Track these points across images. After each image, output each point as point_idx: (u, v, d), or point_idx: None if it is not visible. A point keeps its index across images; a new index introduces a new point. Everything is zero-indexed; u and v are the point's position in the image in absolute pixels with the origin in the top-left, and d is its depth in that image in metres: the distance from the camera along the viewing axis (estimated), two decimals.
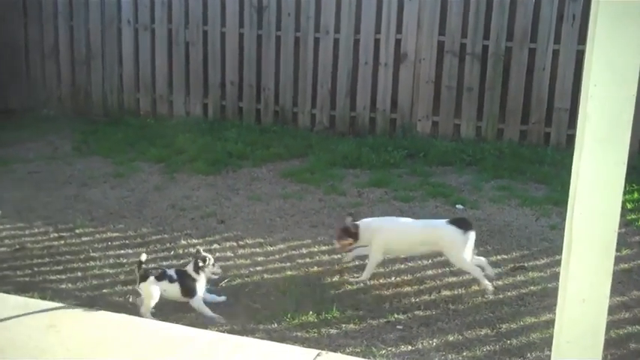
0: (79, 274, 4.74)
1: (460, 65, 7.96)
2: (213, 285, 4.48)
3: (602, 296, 2.39)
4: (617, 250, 2.17)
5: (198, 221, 5.68)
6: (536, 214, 5.90)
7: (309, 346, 3.76)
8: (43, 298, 4.27)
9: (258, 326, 4.09)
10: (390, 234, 4.67)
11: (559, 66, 7.64)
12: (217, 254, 5.04)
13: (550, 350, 2.63)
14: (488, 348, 3.91)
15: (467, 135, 7.95)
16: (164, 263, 4.81)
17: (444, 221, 4.66)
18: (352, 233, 4.66)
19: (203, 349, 3.62)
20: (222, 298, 4.39)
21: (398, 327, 4.12)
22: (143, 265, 4.22)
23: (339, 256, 5.00)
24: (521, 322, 4.17)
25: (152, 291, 4.17)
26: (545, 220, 5.77)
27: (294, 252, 5.11)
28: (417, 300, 4.43)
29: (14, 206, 5.90)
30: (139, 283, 4.20)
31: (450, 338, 4.01)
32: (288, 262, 4.95)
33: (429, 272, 4.81)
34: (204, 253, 4.36)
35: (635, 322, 4.18)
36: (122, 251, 5.10)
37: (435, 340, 3.98)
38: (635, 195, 6.22)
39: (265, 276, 4.73)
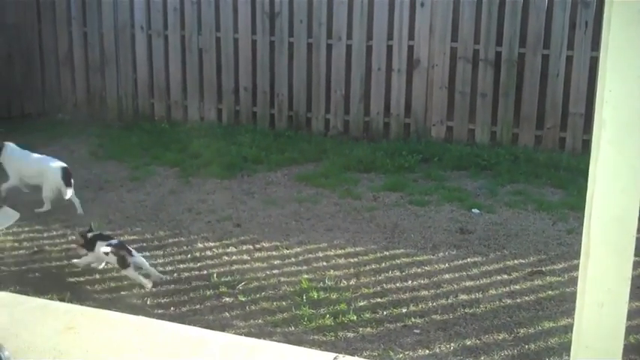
0: (97, 276, 4.76)
1: (473, 71, 7.96)
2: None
3: (621, 301, 2.38)
4: (636, 254, 2.17)
5: (215, 225, 5.70)
6: (552, 218, 5.88)
7: (326, 350, 3.77)
8: (62, 300, 4.30)
9: (275, 329, 4.10)
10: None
11: (573, 72, 7.62)
12: (234, 257, 5.07)
13: (568, 355, 2.62)
14: (506, 352, 3.90)
15: (481, 140, 7.95)
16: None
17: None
18: None
19: (220, 352, 3.63)
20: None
21: (415, 331, 4.12)
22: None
23: (355, 259, 5.02)
24: (540, 327, 4.16)
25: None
26: (562, 224, 5.75)
27: (310, 255, 5.12)
28: (434, 304, 4.43)
29: (32, 210, 5.94)
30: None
31: (468, 342, 4.00)
32: (304, 266, 4.95)
33: (446, 276, 4.80)
34: None
35: None
36: (139, 254, 5.10)
37: (452, 344, 3.98)
38: None
39: (282, 279, 4.74)
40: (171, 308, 4.33)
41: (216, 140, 7.98)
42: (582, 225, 2.29)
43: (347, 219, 5.84)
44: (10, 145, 6.16)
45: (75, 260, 4.88)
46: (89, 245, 4.75)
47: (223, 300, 4.44)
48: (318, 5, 8.27)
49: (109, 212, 5.96)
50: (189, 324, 4.01)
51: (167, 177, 6.93)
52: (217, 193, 6.48)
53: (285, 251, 5.20)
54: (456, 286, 4.67)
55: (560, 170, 6.99)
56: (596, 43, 7.30)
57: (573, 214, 5.87)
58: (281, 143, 7.93)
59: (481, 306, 4.40)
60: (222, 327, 4.08)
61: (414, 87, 8.15)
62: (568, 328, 3.99)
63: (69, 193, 5.83)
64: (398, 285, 4.67)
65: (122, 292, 4.54)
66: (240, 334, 3.97)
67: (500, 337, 4.05)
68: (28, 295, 4.31)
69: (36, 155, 6.20)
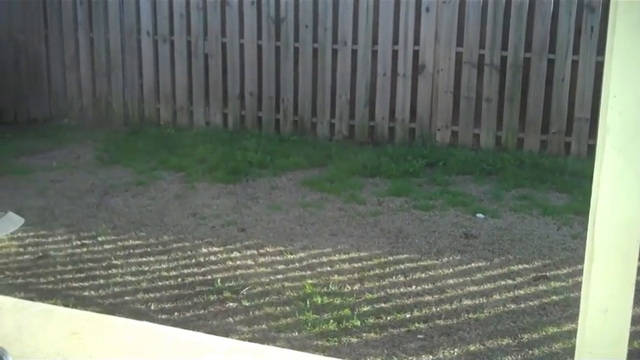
0: (102, 281, 4.78)
1: (479, 76, 7.96)
2: None
3: (625, 307, 2.37)
4: None
5: (219, 229, 5.71)
6: (557, 223, 5.87)
7: (330, 355, 3.77)
8: (66, 305, 4.31)
9: (278, 334, 4.11)
10: None
11: (578, 76, 7.61)
12: (238, 262, 5.07)
13: None
14: (510, 358, 3.89)
15: (486, 144, 7.94)
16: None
17: None
18: None
19: (224, 357, 3.63)
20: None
21: (419, 336, 4.11)
22: None
23: (359, 264, 5.02)
24: (544, 332, 4.15)
25: None
26: (566, 229, 5.74)
27: (314, 260, 5.12)
28: (438, 309, 4.42)
29: (37, 214, 5.96)
30: None
31: (472, 348, 3.99)
32: (308, 271, 4.95)
33: (450, 281, 4.80)
34: None
35: None
36: (144, 259, 5.13)
37: (456, 349, 3.97)
38: None
39: (285, 284, 4.74)
40: (175, 313, 4.33)
41: (222, 145, 8.00)
42: (587, 230, 2.30)
43: (351, 224, 5.84)
44: None
45: None
46: None
47: (227, 305, 4.45)
48: (323, 10, 8.28)
49: (113, 217, 5.98)
50: (193, 329, 4.03)
51: (172, 182, 6.94)
52: (222, 197, 6.49)
53: (290, 256, 5.20)
54: (460, 291, 4.67)
55: (566, 175, 6.98)
56: (601, 48, 7.29)
57: (578, 218, 5.85)
58: (286, 148, 7.95)
59: (485, 311, 4.40)
60: (226, 332, 4.08)
61: (419, 92, 8.16)
62: (572, 334, 3.98)
63: None
64: (402, 290, 4.67)
65: (126, 298, 4.55)
66: (244, 340, 3.97)
67: (504, 343, 4.04)
68: (33, 300, 4.33)
69: None
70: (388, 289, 4.66)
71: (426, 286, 4.73)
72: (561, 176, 6.97)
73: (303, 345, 3.96)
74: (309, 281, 4.77)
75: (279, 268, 5.01)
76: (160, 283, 4.74)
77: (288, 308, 4.41)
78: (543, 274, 4.91)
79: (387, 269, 4.96)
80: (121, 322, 4.00)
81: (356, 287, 4.70)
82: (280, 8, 8.42)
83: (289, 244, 5.41)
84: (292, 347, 3.88)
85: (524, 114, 7.86)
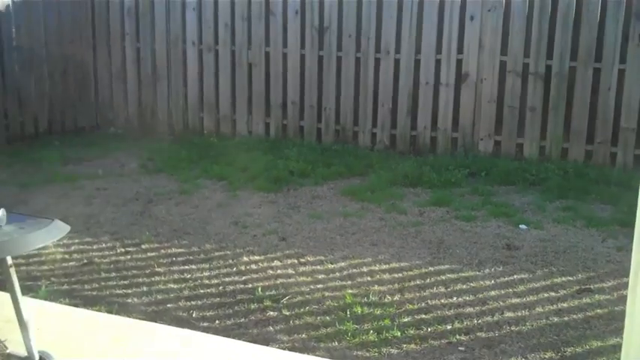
0: (145, 288, 4.84)
1: (523, 85, 7.89)
2: None
3: None
4: None
5: (260, 238, 5.74)
6: (602, 235, 5.77)
7: None
8: (110, 312, 4.38)
9: (318, 344, 4.11)
10: None
11: (625, 85, 7.49)
12: (278, 271, 5.10)
13: None
14: None
15: (530, 154, 7.86)
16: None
17: None
18: None
19: None
20: None
21: (460, 348, 4.08)
22: None
23: (400, 274, 5.00)
24: (587, 346, 4.08)
25: None
26: (611, 241, 5.64)
27: (354, 270, 5.12)
28: (480, 321, 4.38)
29: (83, 222, 6.08)
30: None
31: None
32: (348, 281, 4.95)
33: (492, 293, 4.75)
34: None
35: None
36: (186, 267, 5.19)
37: None
38: None
39: (326, 294, 4.74)
40: (216, 321, 4.37)
41: (264, 154, 8.05)
42: (632, 242, 2.25)
43: (392, 234, 5.83)
44: None
45: None
46: None
47: (267, 314, 4.47)
48: (367, 20, 8.30)
49: (157, 225, 6.06)
50: (233, 337, 4.05)
51: (215, 190, 7.01)
52: (263, 206, 6.53)
53: (330, 265, 5.21)
54: (502, 303, 4.61)
55: (611, 186, 6.86)
56: None
57: (623, 230, 5.75)
58: (327, 157, 7.96)
59: (527, 324, 4.34)
60: (266, 341, 4.10)
61: (462, 101, 8.11)
62: (617, 348, 3.90)
63: None
64: (443, 301, 4.63)
65: (168, 305, 4.60)
66: (284, 349, 3.99)
67: (546, 356, 3.98)
68: (77, 306, 4.42)
69: None
70: (429, 300, 4.63)
71: (468, 298, 4.68)
72: (606, 187, 6.85)
73: (343, 355, 3.96)
74: (350, 291, 4.76)
75: (320, 277, 5.01)
76: (201, 291, 4.79)
77: (328, 318, 4.41)
78: (587, 286, 4.83)
79: (428, 280, 4.93)
80: (163, 329, 4.06)
81: (396, 298, 4.68)
82: (324, 18, 8.46)
83: (330, 254, 5.42)
84: (332, 357, 3.88)
85: (568, 123, 7.76)
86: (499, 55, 7.90)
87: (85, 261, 5.34)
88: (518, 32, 7.79)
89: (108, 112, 9.67)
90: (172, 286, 4.87)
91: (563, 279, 4.96)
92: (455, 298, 4.67)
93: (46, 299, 4.50)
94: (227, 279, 4.98)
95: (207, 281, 4.93)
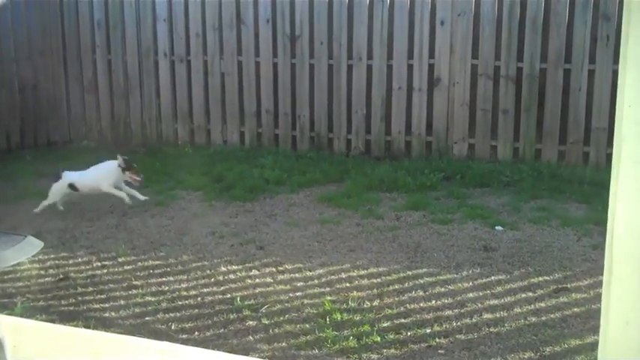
0: (122, 302, 4.80)
1: (495, 88, 7.95)
2: None
3: None
4: None
5: (238, 248, 5.72)
6: (577, 234, 5.83)
7: None
8: (87, 327, 4.33)
9: (299, 352, 4.10)
10: None
11: (595, 86, 7.58)
12: (257, 280, 5.08)
13: None
14: None
15: (504, 156, 7.92)
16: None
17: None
18: None
19: None
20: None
21: (439, 351, 4.08)
22: None
23: (378, 280, 5.00)
24: (565, 345, 4.11)
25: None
26: (586, 240, 5.69)
27: (333, 277, 5.11)
28: (459, 323, 4.39)
29: (57, 237, 6.01)
30: None
31: None
32: (327, 287, 4.94)
33: (470, 295, 4.77)
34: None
35: None
36: (164, 279, 5.15)
37: None
38: None
39: (305, 301, 4.73)
40: (195, 333, 4.34)
41: (239, 163, 8.04)
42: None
43: (369, 239, 5.83)
44: None
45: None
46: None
47: (247, 323, 4.45)
48: (338, 27, 8.33)
49: (132, 237, 6.01)
50: (213, 348, 4.03)
51: (190, 201, 6.98)
52: (240, 216, 6.51)
53: (308, 273, 5.20)
54: (480, 304, 4.64)
55: (585, 185, 6.93)
56: (618, 57, 7.23)
57: (598, 229, 5.80)
58: (303, 164, 7.96)
59: (506, 324, 4.36)
60: (246, 351, 4.08)
61: (435, 105, 8.16)
62: (594, 346, 3.92)
63: None
64: (421, 305, 4.64)
65: (146, 318, 4.56)
66: (264, 358, 3.97)
67: (525, 356, 4.01)
68: (54, 322, 4.36)
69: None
70: (408, 304, 4.64)
71: (446, 301, 4.70)
72: (580, 186, 6.92)
73: None
74: (329, 298, 4.76)
75: (298, 285, 5.00)
76: (179, 303, 4.76)
77: (307, 325, 4.40)
78: (564, 285, 4.87)
79: (406, 284, 4.94)
80: (142, 342, 4.01)
81: (375, 303, 4.68)
82: (295, 26, 8.48)
83: (308, 261, 5.41)
84: None
85: (541, 125, 7.84)
86: (470, 58, 7.97)
87: (61, 276, 5.28)
88: (489, 36, 7.86)
89: (80, 125, 9.59)
90: (150, 298, 4.84)
91: (540, 279, 4.99)
92: (434, 302, 4.68)
93: (22, 316, 4.44)
94: (205, 290, 4.95)
95: (185, 293, 4.90)
